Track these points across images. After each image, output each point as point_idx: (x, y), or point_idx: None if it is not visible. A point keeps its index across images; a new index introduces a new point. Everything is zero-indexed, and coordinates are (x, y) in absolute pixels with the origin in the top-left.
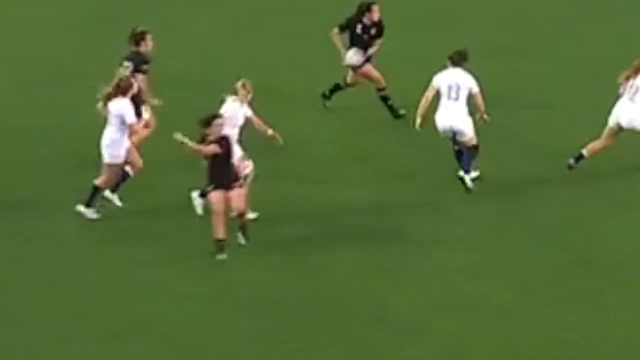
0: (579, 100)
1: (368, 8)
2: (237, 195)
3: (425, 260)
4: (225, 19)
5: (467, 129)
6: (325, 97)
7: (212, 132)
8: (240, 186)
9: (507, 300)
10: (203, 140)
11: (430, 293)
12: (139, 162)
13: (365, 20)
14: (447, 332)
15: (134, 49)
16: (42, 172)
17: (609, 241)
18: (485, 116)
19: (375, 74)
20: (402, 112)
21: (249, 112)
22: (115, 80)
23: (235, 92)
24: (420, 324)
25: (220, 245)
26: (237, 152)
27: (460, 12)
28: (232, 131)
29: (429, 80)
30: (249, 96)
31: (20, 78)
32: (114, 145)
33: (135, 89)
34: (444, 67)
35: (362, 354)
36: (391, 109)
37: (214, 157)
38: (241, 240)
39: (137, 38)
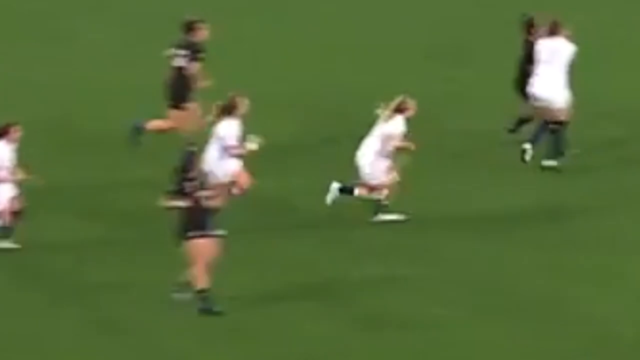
0: None
1: (531, 24)
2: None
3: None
4: None
5: None
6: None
7: None
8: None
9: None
10: None
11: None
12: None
13: (531, 38)
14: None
15: (187, 37)
16: None
17: None
18: None
19: None
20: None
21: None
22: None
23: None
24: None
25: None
26: (384, 163)
27: None
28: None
29: None
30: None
31: None
32: None
33: (243, 109)
34: None
35: None
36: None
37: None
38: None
39: (188, 27)
